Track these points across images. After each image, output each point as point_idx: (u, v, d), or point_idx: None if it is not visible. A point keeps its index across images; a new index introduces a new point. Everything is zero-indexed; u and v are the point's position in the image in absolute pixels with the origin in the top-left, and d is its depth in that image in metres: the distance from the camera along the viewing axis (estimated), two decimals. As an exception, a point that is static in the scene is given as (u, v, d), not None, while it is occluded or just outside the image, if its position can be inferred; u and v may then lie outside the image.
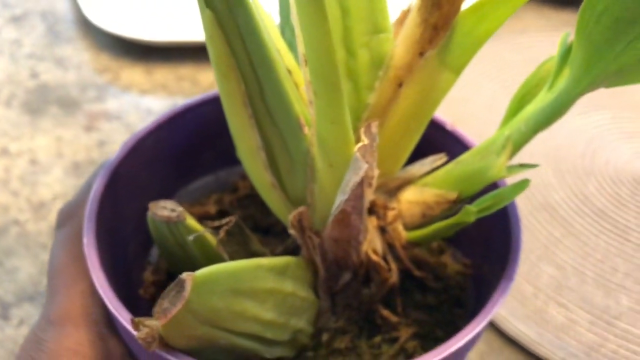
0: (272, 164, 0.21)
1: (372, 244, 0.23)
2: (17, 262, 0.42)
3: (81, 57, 0.60)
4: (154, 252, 0.26)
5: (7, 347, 0.38)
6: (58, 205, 0.46)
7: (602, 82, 0.17)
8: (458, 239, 0.28)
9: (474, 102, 0.54)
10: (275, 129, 0.20)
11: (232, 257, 0.21)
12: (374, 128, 0.18)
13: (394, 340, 0.24)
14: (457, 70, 0.21)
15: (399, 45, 0.21)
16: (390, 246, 0.23)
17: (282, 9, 0.23)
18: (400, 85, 0.21)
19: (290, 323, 0.21)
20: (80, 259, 0.23)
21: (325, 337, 0.23)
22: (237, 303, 0.19)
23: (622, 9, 0.15)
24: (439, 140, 0.26)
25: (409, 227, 0.23)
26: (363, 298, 0.24)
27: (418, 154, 0.24)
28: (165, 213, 0.21)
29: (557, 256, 0.44)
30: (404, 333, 0.24)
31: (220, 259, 0.22)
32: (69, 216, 0.25)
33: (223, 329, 0.18)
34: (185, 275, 0.17)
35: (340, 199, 0.19)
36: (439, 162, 0.23)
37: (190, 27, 0.59)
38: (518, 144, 0.19)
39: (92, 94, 0.56)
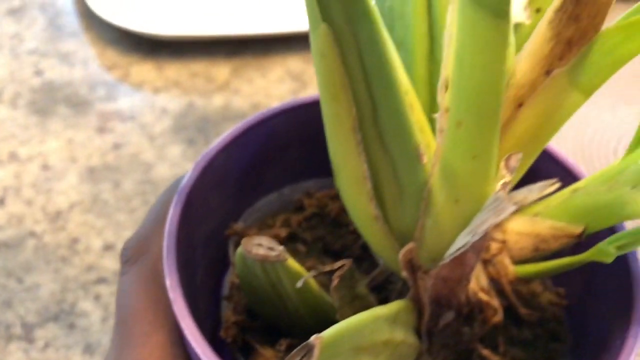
0: (377, 195, 0.19)
1: (479, 281, 0.21)
2: (37, 278, 0.39)
3: (87, 53, 0.56)
4: (224, 283, 0.24)
5: (34, 373, 0.35)
6: (75, 214, 0.43)
7: None
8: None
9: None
10: (385, 157, 0.18)
11: (339, 304, 0.18)
12: (515, 162, 0.16)
13: (492, 380, 0.22)
14: (588, 92, 0.18)
15: (521, 61, 0.19)
16: (493, 281, 0.21)
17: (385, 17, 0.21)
18: (520, 105, 0.19)
19: (396, 373, 0.19)
20: (159, 303, 0.21)
21: (420, 380, 0.21)
22: (357, 361, 0.17)
23: None
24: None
25: (516, 261, 0.21)
26: (462, 337, 0.21)
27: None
28: (262, 252, 0.18)
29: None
30: (504, 373, 0.22)
31: (318, 300, 0.20)
32: (138, 251, 0.23)
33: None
34: (313, 339, 0.15)
35: (466, 239, 0.17)
36: (550, 189, 0.21)
37: (202, 21, 0.56)
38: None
39: (102, 92, 0.52)
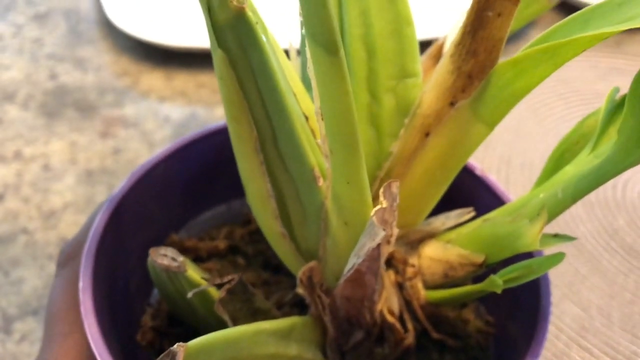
0: (283, 213, 0.20)
1: (388, 302, 0.21)
2: (23, 272, 0.41)
3: (101, 60, 0.58)
4: (156, 291, 0.25)
5: (7, 363, 0.37)
6: (68, 214, 0.45)
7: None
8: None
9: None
10: (288, 178, 0.19)
11: (234, 316, 0.19)
12: (394, 188, 0.16)
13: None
14: (491, 124, 0.19)
15: (428, 91, 0.19)
16: (407, 303, 0.22)
17: (304, 45, 0.22)
18: (427, 134, 0.19)
19: (293, 387, 0.19)
20: (79, 305, 0.22)
21: (332, 397, 0.22)
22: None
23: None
24: (466, 185, 0.24)
25: (429, 286, 0.21)
26: (376, 357, 0.22)
27: (442, 199, 0.23)
28: (165, 262, 0.19)
29: (582, 295, 0.41)
30: (418, 397, 0.22)
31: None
32: (70, 256, 0.24)
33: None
34: (177, 346, 0.16)
35: (353, 261, 0.18)
36: (465, 217, 0.21)
37: (213, 34, 0.58)
38: (553, 212, 0.18)
39: (110, 98, 0.55)
